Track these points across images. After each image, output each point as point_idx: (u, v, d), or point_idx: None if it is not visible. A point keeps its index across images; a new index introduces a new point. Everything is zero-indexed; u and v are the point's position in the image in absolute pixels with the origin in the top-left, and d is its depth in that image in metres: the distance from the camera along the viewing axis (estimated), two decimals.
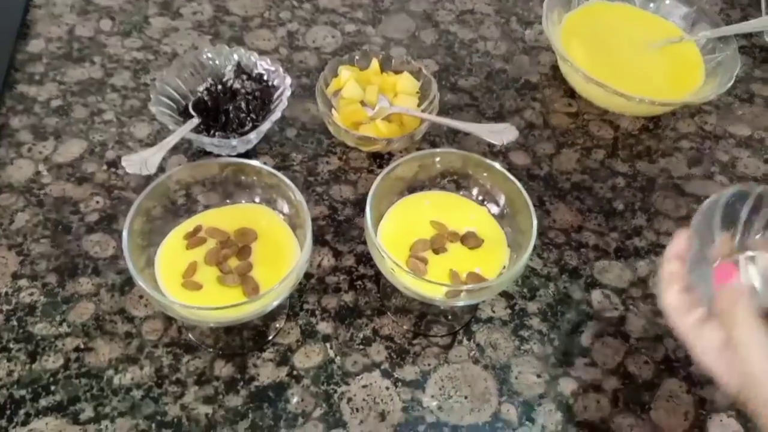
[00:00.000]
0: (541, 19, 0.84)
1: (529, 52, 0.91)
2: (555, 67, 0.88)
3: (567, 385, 0.62)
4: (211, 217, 0.61)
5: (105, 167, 0.73)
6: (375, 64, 0.80)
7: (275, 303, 0.54)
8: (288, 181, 0.59)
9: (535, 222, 0.57)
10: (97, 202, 0.70)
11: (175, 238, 0.59)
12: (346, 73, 0.78)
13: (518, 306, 0.67)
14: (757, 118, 0.87)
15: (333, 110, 0.76)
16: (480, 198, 0.64)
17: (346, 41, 0.89)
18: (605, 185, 0.78)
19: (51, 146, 0.74)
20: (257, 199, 0.62)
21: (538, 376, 0.63)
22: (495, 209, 0.63)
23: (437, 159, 0.64)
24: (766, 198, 0.53)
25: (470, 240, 0.61)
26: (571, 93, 0.86)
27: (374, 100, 0.77)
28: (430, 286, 0.56)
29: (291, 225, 0.61)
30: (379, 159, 0.77)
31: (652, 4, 0.91)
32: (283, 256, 0.58)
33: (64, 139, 0.75)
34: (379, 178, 0.60)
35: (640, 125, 0.84)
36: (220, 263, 0.57)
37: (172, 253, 0.58)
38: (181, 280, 0.56)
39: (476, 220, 0.63)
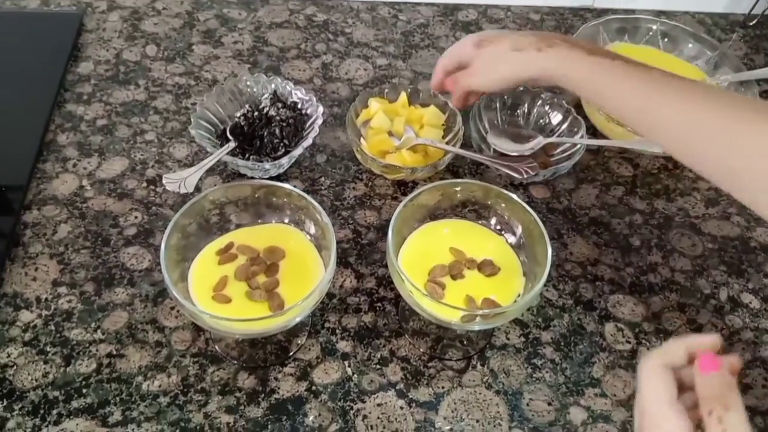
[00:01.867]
0: None
1: (554, 90, 0.94)
2: (579, 105, 0.90)
3: (577, 415, 0.64)
4: (243, 235, 0.64)
5: (145, 184, 0.77)
6: (403, 96, 0.83)
7: (298, 319, 0.57)
8: (316, 204, 0.62)
9: (550, 253, 0.60)
10: (136, 217, 0.74)
11: (208, 254, 0.62)
12: (375, 104, 0.82)
13: (532, 335, 0.69)
14: None
15: (362, 139, 0.80)
16: (498, 228, 0.67)
17: (377, 74, 0.93)
18: (623, 221, 0.80)
19: (95, 163, 0.79)
20: (286, 220, 0.66)
21: (549, 404, 0.64)
22: (512, 239, 0.66)
23: (458, 188, 0.67)
24: None
25: (487, 268, 0.63)
26: (593, 131, 0.88)
27: (401, 130, 0.81)
28: (447, 309, 0.58)
29: (317, 246, 0.64)
30: (404, 187, 0.80)
31: (674, 47, 0.94)
32: (308, 274, 0.61)
33: (107, 157, 0.79)
34: (401, 205, 0.63)
35: (659, 164, 0.86)
36: (249, 279, 0.60)
37: (205, 267, 0.61)
38: (212, 293, 0.59)
39: (493, 249, 0.65)
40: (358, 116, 0.82)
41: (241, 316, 0.56)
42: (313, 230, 0.64)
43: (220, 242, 0.63)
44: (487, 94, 0.83)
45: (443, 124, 0.83)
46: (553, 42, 0.67)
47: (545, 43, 0.66)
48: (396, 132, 0.81)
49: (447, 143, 0.80)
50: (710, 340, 0.46)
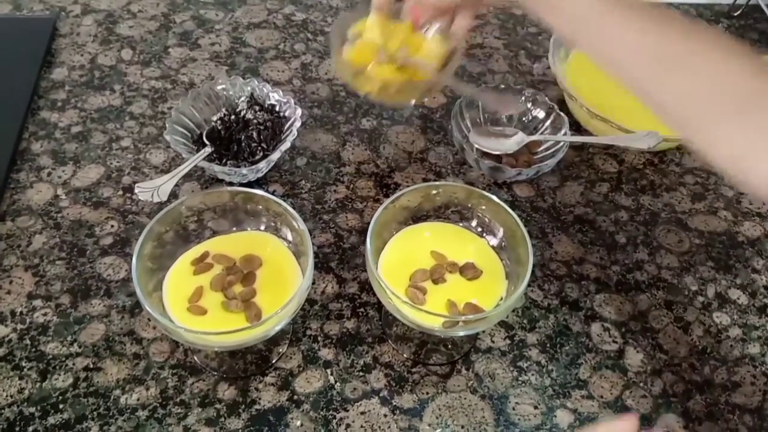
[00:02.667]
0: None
1: (537, 86, 0.93)
2: (562, 101, 0.89)
3: (564, 417, 0.63)
4: (219, 244, 0.63)
5: (121, 192, 0.76)
6: (408, 22, 0.69)
7: (277, 328, 0.56)
8: (292, 210, 0.61)
9: (531, 256, 0.59)
10: (112, 226, 0.73)
11: (183, 264, 0.61)
12: (374, 17, 0.69)
13: (518, 337, 0.68)
14: None
15: (345, 45, 0.69)
16: (479, 230, 0.66)
17: None
18: (608, 218, 0.79)
19: (70, 171, 0.77)
20: (263, 227, 0.64)
21: (535, 407, 0.63)
22: (494, 241, 0.65)
23: (440, 190, 0.66)
24: None
25: (469, 271, 0.62)
26: (577, 127, 0.87)
27: (394, 51, 0.68)
28: (428, 316, 0.57)
29: (295, 253, 0.63)
30: (386, 188, 0.79)
31: None
32: (286, 283, 0.60)
33: (82, 165, 0.78)
34: (381, 208, 0.61)
35: (644, 159, 0.85)
36: (225, 289, 0.59)
37: (180, 277, 0.60)
38: (187, 304, 0.58)
39: (475, 252, 0.64)
40: (349, 26, 0.70)
41: (217, 327, 0.54)
42: (290, 237, 0.63)
43: (195, 252, 0.62)
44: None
45: (443, 62, 0.71)
46: None
47: None
48: (387, 49, 0.68)
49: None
50: (628, 425, 0.45)
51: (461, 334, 0.60)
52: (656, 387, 0.65)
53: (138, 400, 0.61)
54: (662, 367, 0.67)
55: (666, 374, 0.66)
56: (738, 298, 0.73)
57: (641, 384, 0.66)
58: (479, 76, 0.93)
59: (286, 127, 0.77)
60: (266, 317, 0.55)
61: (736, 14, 1.09)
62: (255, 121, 0.76)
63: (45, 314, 0.66)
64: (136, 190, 0.68)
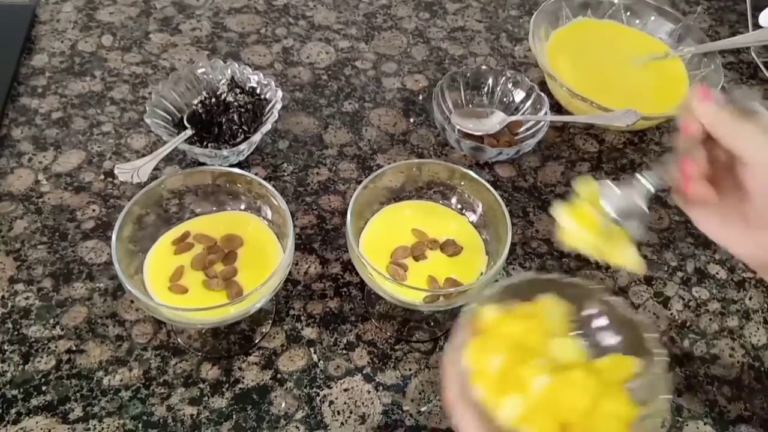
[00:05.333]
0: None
1: (518, 68, 0.93)
2: (543, 83, 0.90)
3: None
4: (199, 224, 0.63)
5: (102, 177, 0.75)
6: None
7: (258, 305, 0.56)
8: (273, 190, 0.61)
9: (509, 231, 0.59)
10: (94, 210, 0.73)
11: (163, 244, 0.61)
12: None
13: None
14: None
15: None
16: (460, 207, 0.66)
17: (340, 57, 0.92)
18: None
19: (50, 156, 0.77)
20: (243, 207, 0.64)
21: None
22: (473, 218, 0.65)
23: (422, 169, 0.66)
24: None
25: (449, 248, 0.63)
26: (558, 107, 0.88)
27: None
28: (409, 291, 0.57)
29: (277, 234, 0.63)
30: (368, 170, 0.79)
31: (638, 21, 0.93)
32: (267, 261, 0.60)
33: (63, 150, 0.77)
34: (360, 187, 0.62)
35: (625, 139, 0.86)
36: (206, 268, 0.59)
37: (161, 258, 0.60)
38: (168, 283, 0.58)
39: (456, 229, 0.65)
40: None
41: (198, 305, 0.55)
42: (271, 216, 0.63)
43: (176, 232, 0.62)
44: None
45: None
46: None
47: None
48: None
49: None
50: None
51: (443, 308, 0.61)
52: None
53: (121, 381, 0.61)
54: None
55: None
56: (717, 273, 0.74)
57: None
58: (461, 59, 0.93)
59: (267, 110, 0.77)
60: (247, 293, 0.55)
61: None
62: (236, 103, 0.76)
63: (27, 298, 0.65)
64: (116, 171, 0.68)
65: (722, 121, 0.49)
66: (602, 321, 0.55)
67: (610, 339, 0.55)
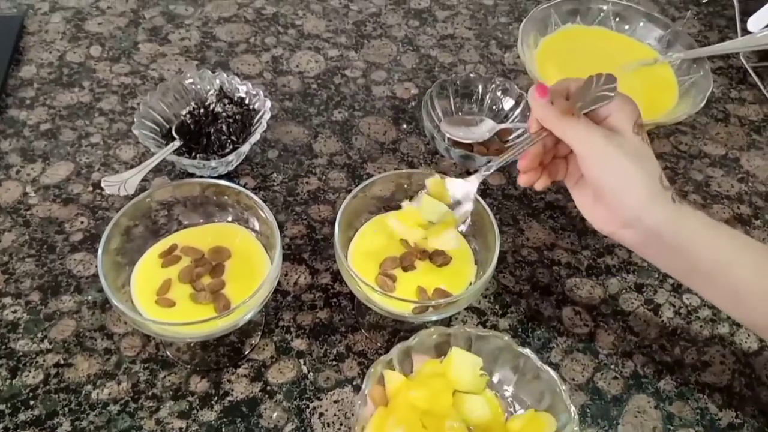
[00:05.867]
0: None
1: (507, 75, 0.93)
2: None
3: None
4: (187, 236, 0.63)
5: (90, 188, 0.75)
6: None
7: (246, 318, 0.56)
8: (260, 201, 0.60)
9: (497, 240, 0.59)
10: (82, 222, 0.72)
11: (151, 257, 0.61)
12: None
13: (489, 322, 0.68)
14: (732, 138, 0.89)
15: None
16: None
17: (329, 65, 0.92)
18: None
19: (39, 168, 0.76)
20: (230, 218, 0.64)
21: None
22: (462, 227, 0.65)
23: (411, 179, 0.66)
24: None
25: (438, 258, 0.62)
26: None
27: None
28: (397, 302, 0.57)
29: (265, 245, 0.63)
30: (358, 180, 0.79)
31: (627, 27, 0.93)
32: (255, 273, 0.60)
33: (51, 162, 0.77)
34: (350, 196, 0.62)
35: None
36: (193, 281, 0.59)
37: (148, 271, 0.60)
38: (155, 297, 0.58)
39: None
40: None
41: (185, 319, 0.54)
42: (259, 227, 0.63)
43: (163, 244, 0.62)
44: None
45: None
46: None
47: (676, 192, 0.57)
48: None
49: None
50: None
51: (433, 319, 0.60)
52: (627, 368, 0.66)
53: (109, 394, 0.61)
54: (633, 349, 0.68)
55: (637, 356, 0.67)
56: None
57: (612, 366, 0.66)
58: (450, 67, 0.93)
59: (255, 120, 0.77)
60: (234, 306, 0.55)
61: (704, 1, 1.10)
62: (224, 114, 0.76)
63: (14, 312, 0.65)
64: (102, 184, 0.68)
65: (551, 118, 0.55)
66: (514, 375, 0.57)
67: (525, 394, 0.57)
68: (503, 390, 0.58)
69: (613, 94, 0.54)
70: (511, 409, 0.57)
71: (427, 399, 0.53)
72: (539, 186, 0.61)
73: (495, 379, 0.58)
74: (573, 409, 0.53)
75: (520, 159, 0.59)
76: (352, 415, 0.61)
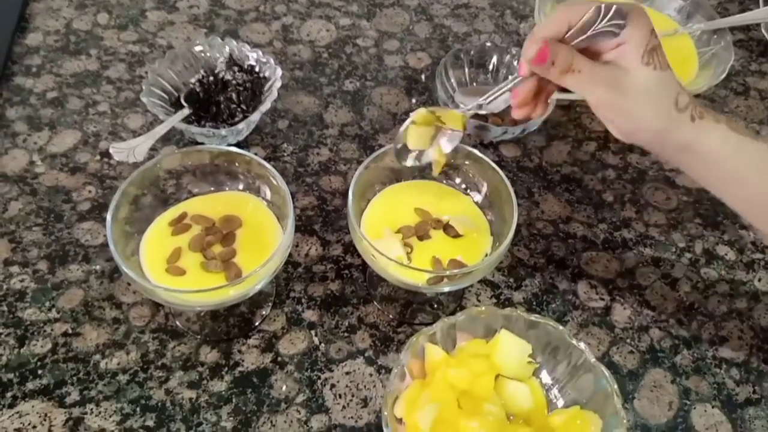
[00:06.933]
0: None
1: (523, 45, 0.91)
2: None
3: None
4: (197, 205, 0.61)
5: (98, 157, 0.74)
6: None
7: (257, 287, 0.55)
8: (273, 170, 0.59)
9: (515, 211, 0.58)
10: (90, 191, 0.71)
11: (160, 225, 0.60)
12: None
13: (504, 295, 0.67)
14: (751, 111, 0.87)
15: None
16: (464, 187, 0.65)
17: (341, 35, 0.90)
18: (595, 177, 0.78)
19: (45, 137, 0.75)
20: (241, 186, 0.63)
21: None
22: (478, 197, 0.64)
23: None
24: None
25: (453, 228, 0.61)
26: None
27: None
28: (412, 272, 0.56)
29: (277, 215, 0.62)
30: (370, 150, 0.77)
31: None
32: (266, 242, 0.59)
33: (58, 130, 0.76)
34: (362, 166, 0.60)
35: None
36: (204, 249, 0.58)
37: (158, 239, 0.59)
38: (166, 265, 0.57)
39: (460, 209, 0.63)
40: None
41: (196, 287, 0.53)
42: (270, 197, 0.62)
43: (173, 212, 0.60)
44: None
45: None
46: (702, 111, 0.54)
47: (697, 110, 0.54)
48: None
49: None
50: None
51: (446, 290, 0.59)
52: (643, 343, 0.65)
53: (118, 364, 0.60)
54: (649, 323, 0.66)
55: (653, 330, 0.66)
56: (726, 254, 0.73)
57: (628, 340, 0.65)
58: (465, 36, 0.91)
59: (266, 88, 0.76)
60: (246, 275, 0.54)
61: None
62: (234, 82, 0.74)
63: (22, 281, 0.64)
64: (111, 150, 0.66)
65: (551, 77, 0.53)
66: (563, 367, 0.55)
67: (572, 388, 0.54)
68: (548, 380, 0.56)
69: (619, 31, 0.50)
70: (555, 402, 0.55)
71: (467, 379, 0.51)
72: (535, 115, 0.60)
73: (541, 368, 0.56)
74: (623, 414, 0.49)
75: (512, 96, 0.58)
76: (364, 387, 0.60)
